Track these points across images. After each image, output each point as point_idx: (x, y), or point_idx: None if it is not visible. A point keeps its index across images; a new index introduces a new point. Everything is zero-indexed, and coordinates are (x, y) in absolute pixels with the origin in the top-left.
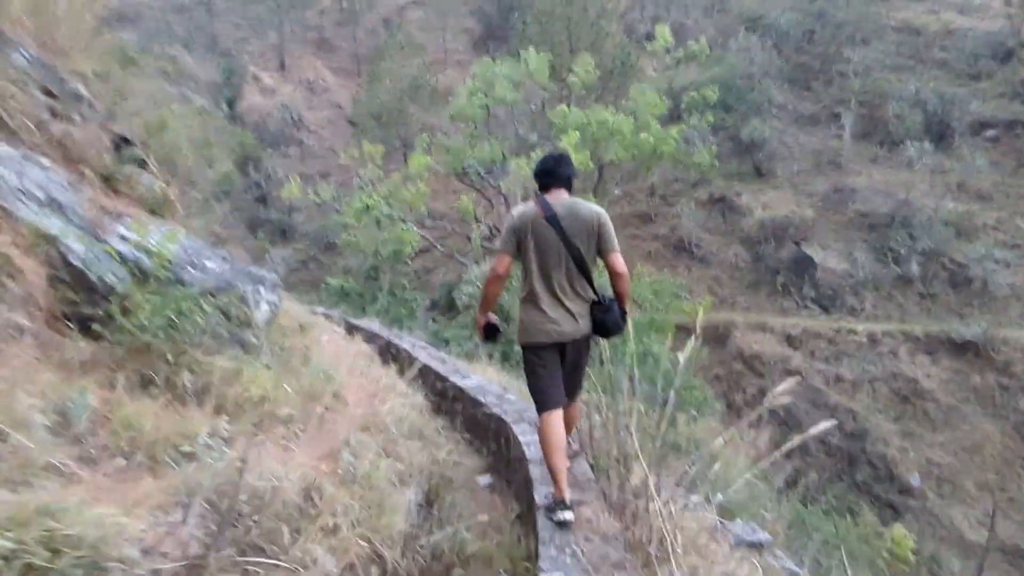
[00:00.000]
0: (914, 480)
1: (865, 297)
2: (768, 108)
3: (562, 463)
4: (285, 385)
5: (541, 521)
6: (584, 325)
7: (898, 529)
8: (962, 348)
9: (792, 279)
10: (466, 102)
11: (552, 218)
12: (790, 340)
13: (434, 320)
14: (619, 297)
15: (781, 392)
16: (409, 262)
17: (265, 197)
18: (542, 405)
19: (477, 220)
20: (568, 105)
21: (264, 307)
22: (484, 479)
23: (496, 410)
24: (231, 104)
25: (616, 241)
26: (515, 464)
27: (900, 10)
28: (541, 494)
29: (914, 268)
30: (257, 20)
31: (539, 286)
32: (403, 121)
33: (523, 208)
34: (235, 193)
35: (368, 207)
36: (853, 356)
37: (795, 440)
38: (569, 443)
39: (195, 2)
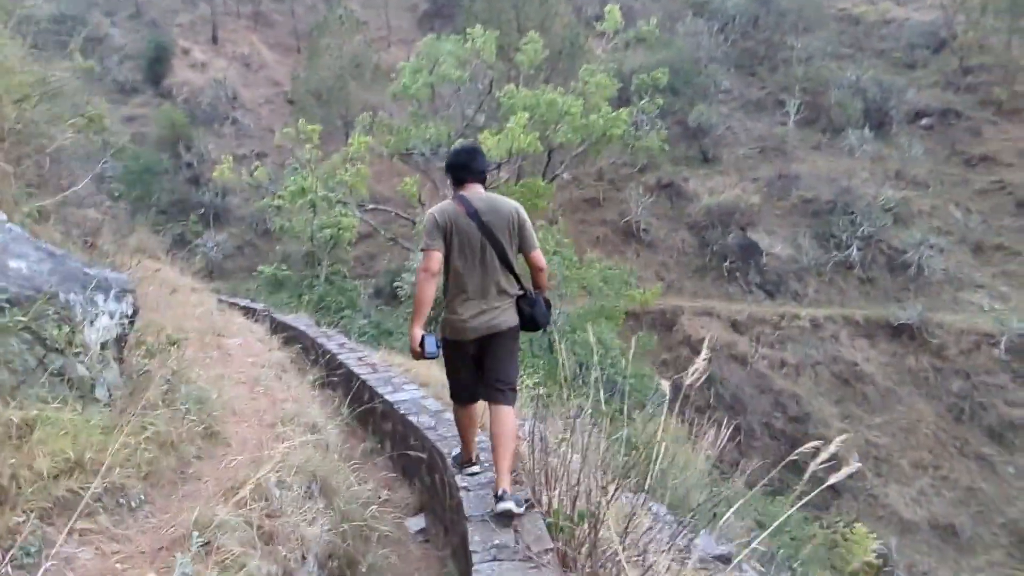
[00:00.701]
0: (854, 460)
1: (808, 282)
2: (715, 93)
3: (471, 436)
4: (126, 436)
5: None
6: (509, 319)
7: (859, 529)
8: (898, 331)
9: (738, 265)
10: (409, 80)
11: (473, 214)
12: (736, 325)
13: (378, 308)
14: (540, 291)
15: (696, 368)
16: (349, 248)
17: (197, 178)
18: (458, 398)
19: (422, 203)
20: (516, 86)
21: (104, 322)
22: (415, 522)
23: (431, 434)
24: (158, 79)
25: (535, 237)
26: (453, 512)
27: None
28: (452, 455)
29: (855, 254)
30: None
31: (463, 282)
32: (344, 100)
33: (442, 205)
34: (164, 174)
35: (303, 190)
36: (797, 341)
37: None
38: (502, 495)
39: None
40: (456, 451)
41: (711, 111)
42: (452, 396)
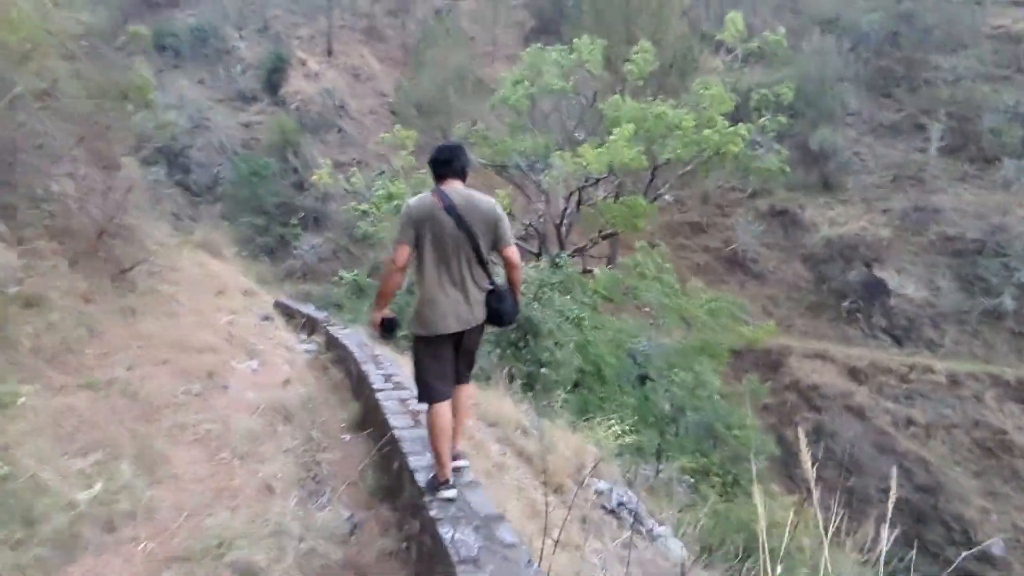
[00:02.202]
0: (996, 548)
1: (946, 331)
2: (841, 115)
3: (447, 448)
4: None
5: None
6: (479, 313)
7: None
8: None
9: (860, 305)
10: (510, 90)
11: (450, 208)
12: (854, 373)
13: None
14: (512, 287)
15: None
16: None
17: (302, 183)
18: (430, 397)
19: (513, 217)
20: (623, 97)
21: None
22: None
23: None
24: (275, 88)
25: (511, 233)
26: None
27: (996, 16)
28: (424, 477)
29: (1008, 302)
30: (309, 5)
31: (437, 276)
32: (445, 112)
33: (420, 198)
34: (272, 178)
35: (391, 195)
36: (928, 397)
37: None
38: (458, 455)
39: None
40: (428, 476)
41: (836, 134)
42: (425, 398)
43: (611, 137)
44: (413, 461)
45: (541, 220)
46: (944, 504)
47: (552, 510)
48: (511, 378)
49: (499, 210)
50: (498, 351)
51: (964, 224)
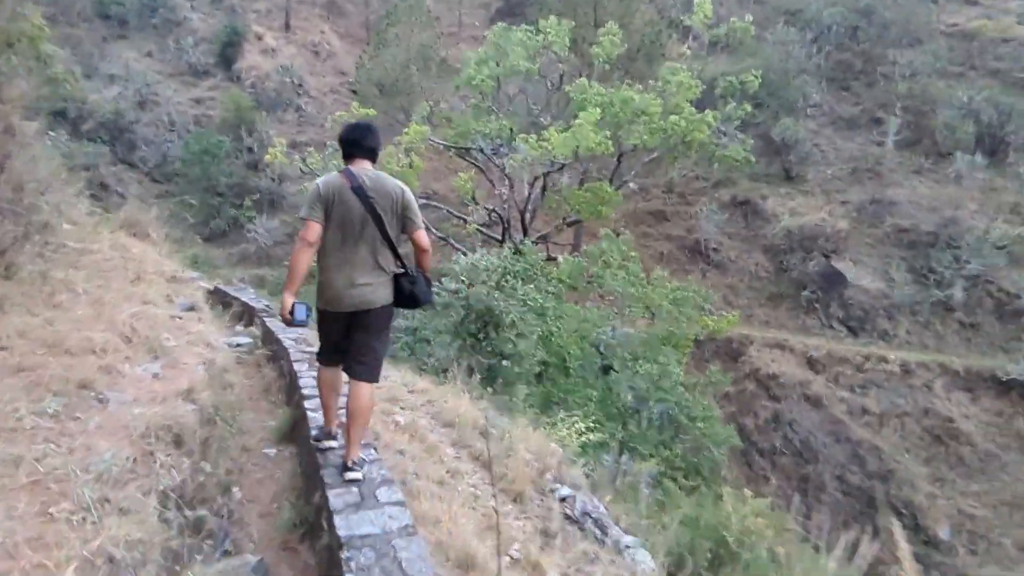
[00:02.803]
0: (943, 532)
1: (900, 322)
2: (803, 107)
3: (332, 403)
4: None
5: None
6: (382, 296)
7: None
8: (1007, 387)
9: (819, 295)
10: (474, 71)
11: (358, 189)
12: (811, 362)
13: (423, 310)
14: (423, 270)
15: None
16: None
17: (256, 163)
18: (322, 359)
19: (475, 202)
20: (589, 81)
21: None
22: None
23: None
24: (229, 63)
25: (420, 216)
26: None
27: (952, 14)
28: (312, 427)
29: (958, 294)
30: None
31: (339, 256)
32: (407, 92)
33: (328, 177)
34: (225, 158)
35: None
36: (882, 387)
37: None
38: (353, 465)
39: None
40: (316, 427)
41: (798, 126)
42: (318, 356)
43: (577, 121)
44: (334, 497)
45: (505, 206)
46: (894, 490)
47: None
48: (470, 372)
49: (408, 194)
50: (457, 343)
51: (918, 217)
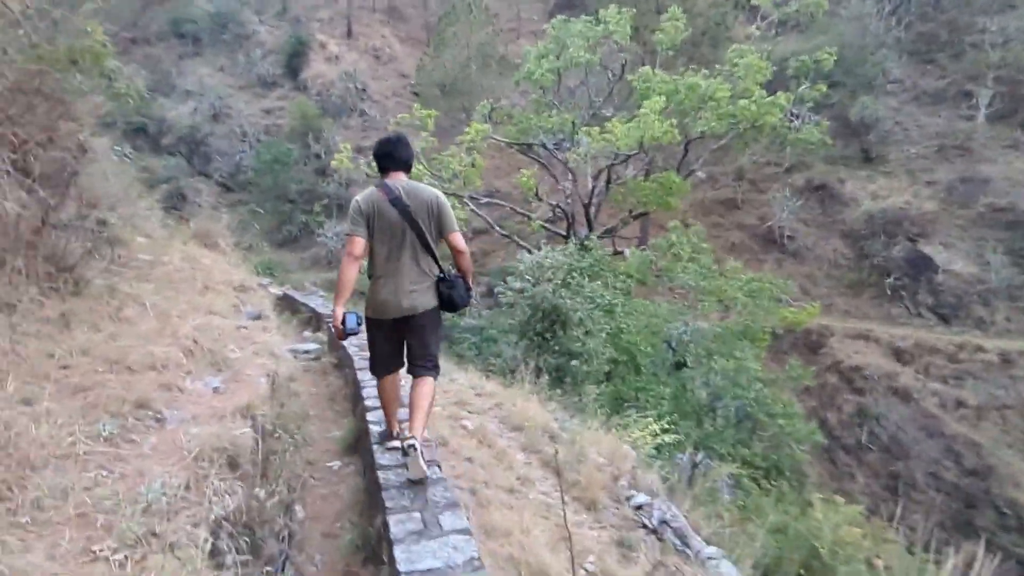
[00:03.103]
0: None
1: (997, 308)
2: (882, 84)
3: (393, 411)
4: None
5: None
6: (428, 300)
7: None
8: None
9: (905, 282)
10: (534, 65)
11: (396, 200)
12: (899, 353)
13: (490, 308)
14: (463, 273)
15: None
16: None
17: (324, 169)
18: (376, 370)
19: (539, 198)
20: (653, 69)
21: None
22: None
23: None
24: (296, 72)
25: (455, 220)
26: None
27: None
28: (376, 430)
29: None
30: None
31: (384, 266)
32: (468, 91)
33: (367, 192)
34: (295, 165)
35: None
36: (979, 378)
37: None
38: (423, 451)
39: None
40: (381, 429)
41: (877, 104)
42: (371, 369)
43: (641, 111)
44: (395, 524)
45: (568, 201)
46: (996, 488)
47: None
48: (538, 372)
49: (442, 199)
50: (524, 343)
51: (1015, 194)
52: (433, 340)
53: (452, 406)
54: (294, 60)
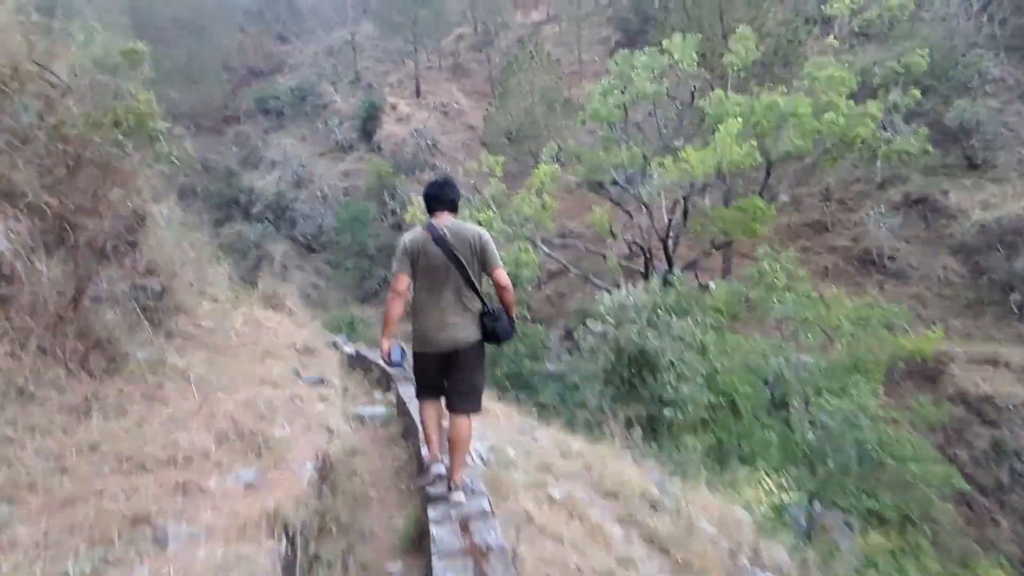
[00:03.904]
0: None
1: None
2: (979, 85)
3: (434, 434)
4: None
5: None
6: (470, 335)
7: None
8: None
9: None
10: (599, 103)
11: (439, 239)
12: None
13: (569, 353)
14: (506, 307)
15: None
16: (529, 288)
17: (399, 224)
18: (420, 394)
19: (613, 235)
20: (725, 91)
21: None
22: None
23: None
24: (370, 134)
25: (498, 257)
26: None
27: None
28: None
29: None
30: (397, 52)
31: (428, 301)
32: (535, 135)
33: (413, 232)
34: (372, 222)
35: (479, 224)
36: None
37: None
38: (458, 488)
39: (344, 43)
40: (425, 454)
41: (977, 106)
42: (416, 393)
43: (716, 136)
44: None
45: (644, 236)
46: None
47: None
48: (628, 424)
49: (485, 237)
50: (609, 390)
51: None
52: (476, 373)
53: (536, 471)
54: (368, 123)
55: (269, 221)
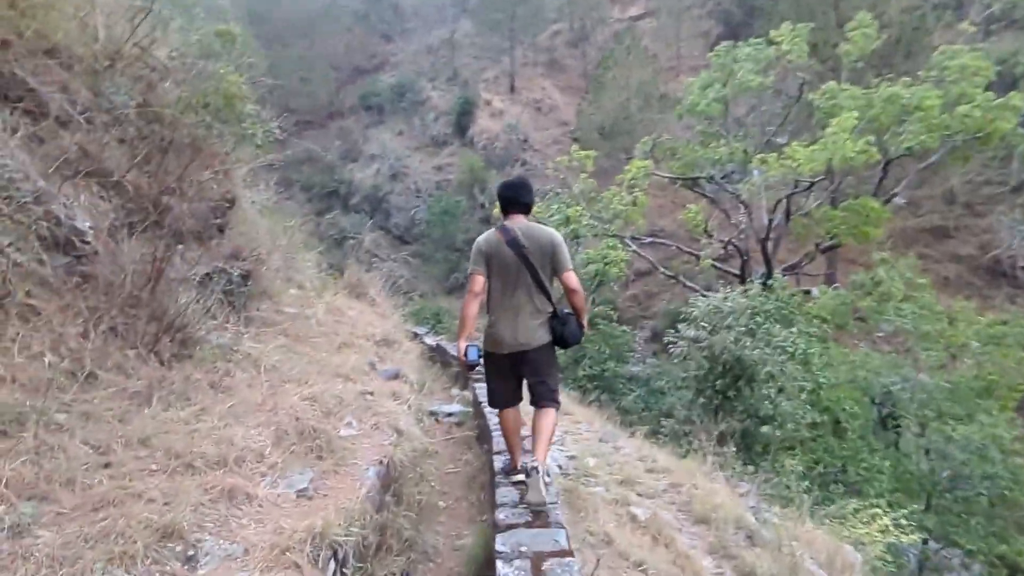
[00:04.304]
0: None
1: None
2: None
3: (516, 442)
4: None
5: None
6: (541, 336)
7: None
8: None
9: None
10: (698, 96)
11: (512, 242)
12: None
13: (655, 356)
14: (576, 311)
15: None
16: (615, 287)
17: (489, 218)
18: (495, 404)
19: (709, 235)
20: (838, 82)
21: None
22: None
23: None
24: (464, 130)
25: (569, 260)
26: None
27: None
28: (500, 461)
29: None
30: (493, 49)
31: (501, 303)
32: (628, 131)
33: (487, 234)
34: (463, 215)
35: (568, 219)
36: None
37: None
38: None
39: (443, 41)
40: (504, 459)
41: None
42: (491, 404)
43: (828, 130)
44: None
45: (741, 236)
46: None
47: None
48: (720, 439)
49: (557, 239)
50: (701, 401)
51: None
52: (549, 373)
53: (618, 486)
54: (462, 119)
55: (365, 212)
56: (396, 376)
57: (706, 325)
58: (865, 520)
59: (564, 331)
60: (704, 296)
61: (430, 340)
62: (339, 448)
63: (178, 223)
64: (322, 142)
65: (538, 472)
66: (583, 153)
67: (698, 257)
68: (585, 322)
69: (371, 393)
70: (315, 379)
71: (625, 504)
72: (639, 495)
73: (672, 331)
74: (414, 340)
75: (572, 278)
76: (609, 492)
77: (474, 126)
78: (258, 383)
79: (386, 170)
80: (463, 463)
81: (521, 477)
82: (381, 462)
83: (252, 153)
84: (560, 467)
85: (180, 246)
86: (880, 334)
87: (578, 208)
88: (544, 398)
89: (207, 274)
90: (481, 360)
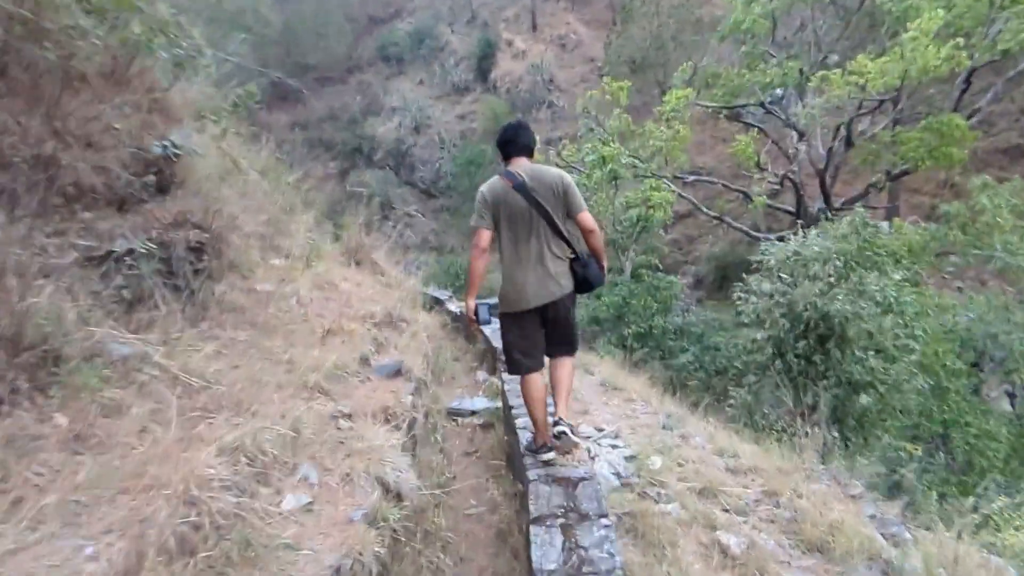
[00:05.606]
0: None
1: None
2: None
3: (542, 414)
4: None
5: None
6: (566, 284)
7: None
8: None
9: None
10: (742, 13)
11: (520, 186)
12: None
13: (699, 303)
14: (594, 252)
15: None
16: (663, 232)
17: None
18: (518, 369)
19: (761, 168)
20: None
21: None
22: None
23: None
24: (485, 74)
25: (582, 200)
26: None
27: None
28: (526, 438)
29: None
30: None
31: (516, 255)
32: (662, 61)
33: (491, 182)
34: (489, 165)
35: (603, 158)
36: None
37: None
38: (559, 422)
39: None
40: (529, 437)
41: None
42: (514, 371)
43: (907, 35)
44: None
45: (794, 169)
46: None
47: None
48: (809, 414)
49: (567, 179)
50: (778, 364)
51: None
52: (571, 325)
53: (697, 499)
54: (484, 63)
55: (390, 167)
56: (397, 373)
57: (785, 276)
58: (1018, 525)
59: (587, 273)
60: (771, 241)
61: (453, 306)
62: (261, 559)
63: (74, 182)
64: (342, 98)
65: (567, 435)
66: (617, 84)
67: (746, 195)
68: (605, 263)
69: (348, 416)
70: (266, 399)
71: (710, 527)
72: (725, 510)
73: (739, 284)
74: (432, 310)
75: (588, 218)
76: (686, 510)
77: (496, 69)
78: (162, 421)
79: (408, 122)
80: (488, 499)
81: (551, 455)
82: (343, 545)
83: (203, 91)
84: (618, 475)
85: (87, 215)
86: (969, 275)
87: (614, 146)
88: (562, 349)
89: (125, 253)
90: (492, 319)
